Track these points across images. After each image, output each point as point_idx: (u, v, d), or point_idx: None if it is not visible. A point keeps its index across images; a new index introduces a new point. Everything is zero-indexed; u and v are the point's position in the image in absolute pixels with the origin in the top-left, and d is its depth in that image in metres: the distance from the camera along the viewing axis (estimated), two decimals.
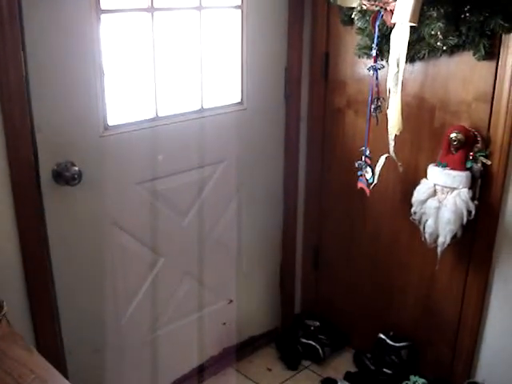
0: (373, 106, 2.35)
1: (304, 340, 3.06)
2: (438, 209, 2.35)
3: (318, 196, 3.04)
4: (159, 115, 2.35)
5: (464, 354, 2.63)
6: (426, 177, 2.43)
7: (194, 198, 2.57)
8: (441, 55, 2.31)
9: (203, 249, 2.68)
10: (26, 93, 1.91)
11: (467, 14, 2.11)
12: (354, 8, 2.43)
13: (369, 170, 2.44)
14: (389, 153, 2.35)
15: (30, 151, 1.97)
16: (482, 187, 2.34)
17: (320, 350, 2.99)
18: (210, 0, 2.40)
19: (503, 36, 2.15)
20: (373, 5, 2.27)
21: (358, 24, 2.45)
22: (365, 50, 2.49)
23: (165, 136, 2.38)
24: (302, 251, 3.19)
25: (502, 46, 2.17)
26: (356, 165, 2.49)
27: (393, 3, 2.14)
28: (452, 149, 2.34)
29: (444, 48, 2.24)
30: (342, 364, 3.01)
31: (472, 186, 2.32)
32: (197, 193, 2.57)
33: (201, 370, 2.86)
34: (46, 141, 2.01)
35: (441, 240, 2.38)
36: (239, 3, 2.50)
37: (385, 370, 2.81)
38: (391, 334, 2.83)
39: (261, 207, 2.91)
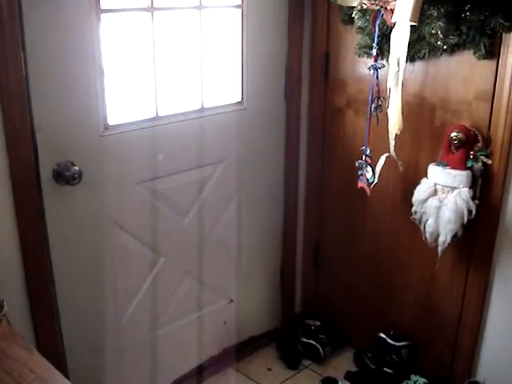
0: (373, 106, 2.34)
1: (304, 339, 3.06)
2: (439, 208, 2.35)
3: (318, 195, 3.04)
4: (159, 115, 2.34)
5: (464, 353, 2.63)
6: (426, 176, 2.43)
7: (194, 197, 2.56)
8: (441, 54, 2.31)
9: (203, 248, 2.68)
10: (26, 92, 1.91)
11: (467, 13, 2.11)
12: (354, 7, 2.43)
13: (369, 169, 2.44)
14: (389, 152, 2.35)
15: (30, 151, 1.97)
16: (483, 186, 2.34)
17: (320, 350, 2.99)
18: None
19: (504, 35, 2.15)
20: (373, 4, 2.27)
21: (359, 23, 2.45)
22: (365, 50, 2.48)
23: (165, 136, 2.38)
24: (303, 251, 3.19)
25: (502, 44, 2.17)
26: (356, 164, 2.49)
27: (393, 2, 2.14)
28: (452, 148, 2.34)
29: (444, 47, 2.24)
30: (343, 363, 3.01)
31: (472, 186, 2.32)
32: (197, 192, 2.57)
33: (201, 370, 2.86)
34: (46, 140, 2.01)
35: (441, 239, 2.38)
36: (239, 3, 2.50)
37: (385, 369, 2.80)
38: (392, 333, 2.83)
39: (261, 207, 2.91)
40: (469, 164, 2.31)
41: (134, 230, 2.38)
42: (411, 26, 2.09)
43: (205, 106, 2.50)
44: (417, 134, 2.53)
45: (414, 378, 2.67)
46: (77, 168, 2.06)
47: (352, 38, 2.60)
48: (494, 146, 2.28)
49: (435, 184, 2.38)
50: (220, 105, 2.57)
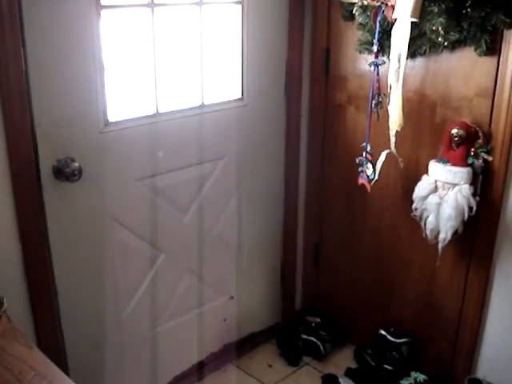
0: (374, 102, 2.34)
1: (305, 336, 3.06)
2: (439, 205, 2.35)
3: (318, 192, 3.04)
4: (159, 111, 2.34)
5: (465, 350, 2.63)
6: (427, 173, 2.43)
7: (194, 194, 2.56)
8: (442, 51, 2.31)
9: (203, 245, 2.68)
10: (26, 88, 1.91)
11: (468, 10, 2.11)
12: (354, 3, 2.42)
13: (370, 166, 2.44)
14: (390, 149, 2.35)
15: (30, 147, 1.96)
16: (484, 183, 2.34)
17: (321, 346, 2.99)
18: None
19: (505, 31, 2.14)
20: (374, 0, 2.26)
21: (359, 19, 2.45)
22: (366, 46, 2.48)
23: (165, 132, 2.38)
24: (303, 247, 3.19)
25: (503, 41, 2.17)
26: (357, 161, 2.49)
27: None
28: (453, 145, 2.33)
29: (445, 44, 2.23)
30: (343, 360, 3.01)
31: (473, 182, 2.32)
32: (197, 189, 2.57)
33: (201, 367, 2.86)
34: (46, 137, 2.01)
35: (442, 236, 2.38)
36: None
37: (385, 366, 2.80)
38: (392, 330, 2.83)
39: (261, 203, 2.90)
40: (469, 161, 2.31)
41: (134, 226, 2.38)
42: (412, 22, 2.08)
43: (205, 103, 2.49)
44: (417, 131, 2.53)
45: (414, 374, 2.68)
46: (77, 164, 2.06)
47: (353, 35, 2.59)
48: (494, 143, 2.28)
49: (436, 181, 2.38)
50: (220, 101, 2.56)
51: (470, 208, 2.31)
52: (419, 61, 2.43)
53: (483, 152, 2.29)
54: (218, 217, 2.70)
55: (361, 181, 2.51)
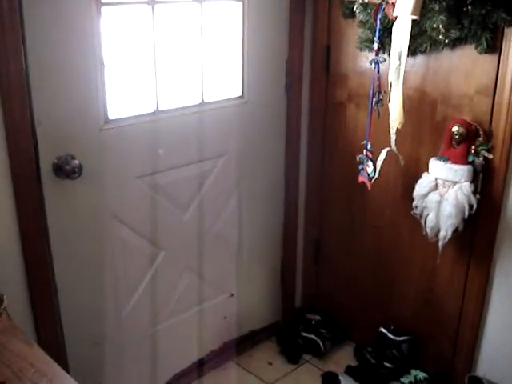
0: (374, 100, 2.34)
1: (305, 334, 3.06)
2: (440, 203, 2.35)
3: (318, 190, 3.03)
4: (160, 109, 2.34)
5: (465, 348, 2.63)
6: (427, 171, 2.43)
7: (194, 192, 2.56)
8: (443, 48, 2.31)
9: (203, 243, 2.68)
10: (26, 86, 1.91)
11: (469, 7, 2.11)
12: (355, 1, 2.42)
13: (370, 163, 2.44)
14: (390, 146, 2.34)
15: (30, 144, 1.96)
16: (484, 181, 2.34)
17: (321, 344, 2.99)
18: None
19: (505, 29, 2.14)
20: None
21: (360, 17, 2.44)
22: (366, 43, 2.48)
23: (165, 130, 2.37)
24: (303, 245, 3.19)
25: (504, 39, 2.16)
26: (357, 159, 2.49)
27: None
28: (454, 142, 2.33)
29: (446, 41, 2.23)
30: (343, 358, 3.01)
31: (474, 180, 2.32)
32: (197, 187, 2.57)
33: (201, 364, 2.86)
34: (47, 134, 2.01)
35: (442, 234, 2.38)
36: None
37: (385, 363, 2.81)
38: (392, 327, 2.83)
39: (261, 201, 2.90)
40: (470, 158, 2.31)
41: (134, 224, 2.38)
42: (413, 20, 2.08)
43: (205, 101, 2.49)
44: (418, 129, 2.52)
45: (414, 372, 2.68)
46: (77, 162, 2.06)
47: (353, 32, 2.59)
48: (495, 141, 2.28)
49: (436, 178, 2.38)
50: (220, 99, 2.56)
51: (471, 206, 2.31)
52: (420, 58, 2.43)
53: (484, 150, 2.29)
54: (217, 215, 2.70)
55: (361, 179, 2.51)
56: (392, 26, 2.18)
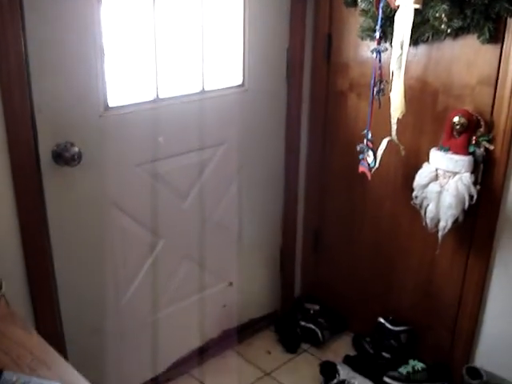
0: (375, 89, 2.32)
1: (303, 323, 3.06)
2: (440, 193, 2.35)
3: (319, 179, 3.03)
4: (160, 97, 2.33)
5: (463, 338, 2.64)
6: (427, 161, 2.42)
7: (194, 180, 2.56)
8: (445, 38, 2.30)
9: (203, 231, 2.68)
10: (26, 73, 1.90)
11: None
12: None
13: (370, 153, 2.43)
14: (391, 136, 2.33)
15: (29, 131, 1.95)
16: (485, 172, 2.33)
17: (319, 334, 3.00)
18: None
19: (508, 19, 2.13)
20: None
21: (362, 5, 2.43)
22: (368, 32, 2.46)
23: (165, 118, 2.36)
24: (303, 234, 3.19)
25: (506, 29, 2.15)
26: (358, 148, 2.48)
27: None
28: (455, 133, 2.33)
29: (448, 31, 2.22)
30: (341, 347, 3.02)
31: (474, 171, 2.31)
32: (197, 175, 2.56)
33: (200, 353, 2.87)
34: (46, 121, 2.00)
35: (442, 224, 2.37)
36: None
37: (384, 353, 2.81)
38: (391, 318, 2.83)
39: (261, 190, 2.90)
40: (471, 149, 2.30)
41: (134, 211, 2.38)
42: (415, 8, 2.06)
43: (206, 89, 2.48)
44: (419, 119, 2.51)
45: (412, 362, 2.68)
46: (76, 149, 2.05)
47: (355, 21, 2.58)
48: (496, 132, 2.27)
49: (436, 169, 2.37)
50: (221, 87, 2.55)
51: (471, 196, 2.30)
52: (422, 48, 2.41)
53: (485, 140, 2.28)
54: (217, 203, 2.70)
55: (361, 168, 2.50)
56: (394, 14, 2.16)
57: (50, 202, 2.09)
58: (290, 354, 2.98)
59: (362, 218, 2.90)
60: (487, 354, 2.59)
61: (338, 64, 2.77)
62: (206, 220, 2.67)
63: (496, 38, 2.17)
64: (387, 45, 2.31)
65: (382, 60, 2.28)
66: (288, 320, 3.13)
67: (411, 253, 2.73)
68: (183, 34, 2.37)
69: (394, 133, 2.31)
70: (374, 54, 2.30)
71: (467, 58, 2.31)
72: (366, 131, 2.44)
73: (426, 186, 2.40)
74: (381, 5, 2.24)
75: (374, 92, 2.33)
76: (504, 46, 2.18)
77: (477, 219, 2.42)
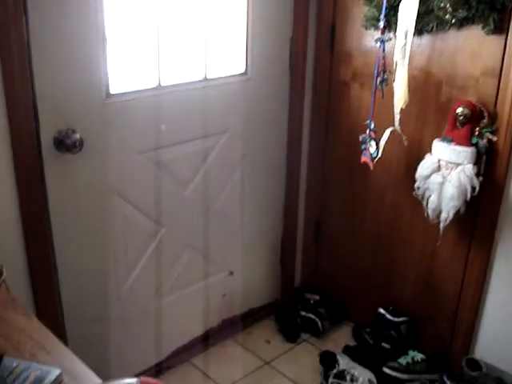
0: (379, 79, 2.31)
1: (303, 313, 3.07)
2: (442, 184, 2.34)
3: (320, 169, 3.02)
4: (162, 84, 2.32)
5: (463, 330, 2.64)
6: (430, 152, 2.41)
7: (196, 168, 2.55)
8: (449, 28, 2.29)
9: (205, 220, 2.68)
10: (28, 59, 1.89)
11: None
12: None
13: (373, 143, 2.42)
14: (394, 126, 2.33)
15: (31, 118, 1.95)
16: (487, 163, 2.32)
17: (319, 324, 3.00)
18: None
19: None
20: None
21: None
22: (372, 22, 2.45)
23: (168, 105, 2.36)
24: (304, 225, 3.18)
25: (511, 20, 2.14)
26: (360, 138, 2.47)
27: None
28: (458, 124, 2.32)
29: (453, 21, 2.21)
30: (341, 337, 3.02)
31: (477, 162, 2.30)
32: (199, 163, 2.56)
33: (200, 341, 2.87)
34: (48, 107, 1.99)
35: (443, 216, 2.37)
36: None
37: (383, 344, 2.81)
38: (391, 308, 2.83)
39: (263, 179, 2.90)
40: (474, 140, 2.29)
41: (136, 199, 2.37)
42: None
43: (208, 77, 2.47)
44: (422, 109, 2.50)
45: (411, 353, 2.69)
46: (78, 136, 2.04)
47: (359, 10, 2.56)
48: (499, 123, 2.26)
49: (439, 160, 2.37)
50: (224, 75, 2.54)
51: (473, 188, 2.29)
52: (426, 38, 2.40)
53: (488, 132, 2.28)
54: (220, 191, 2.69)
55: (364, 158, 2.49)
56: (398, 4, 2.15)
57: (51, 189, 2.09)
58: (289, 344, 2.99)
59: (364, 208, 2.90)
60: (487, 346, 2.60)
61: (341, 53, 2.76)
62: (207, 208, 2.66)
63: (501, 28, 2.16)
64: (391, 34, 2.30)
65: (386, 50, 2.27)
66: (288, 310, 3.13)
67: (412, 244, 2.73)
68: (186, 21, 2.36)
69: (396, 123, 2.30)
70: (378, 44, 2.29)
71: (471, 49, 2.30)
72: (368, 121, 2.43)
73: (428, 176, 2.39)
74: None
75: (378, 82, 2.32)
76: (509, 37, 2.16)
77: (479, 211, 2.42)
